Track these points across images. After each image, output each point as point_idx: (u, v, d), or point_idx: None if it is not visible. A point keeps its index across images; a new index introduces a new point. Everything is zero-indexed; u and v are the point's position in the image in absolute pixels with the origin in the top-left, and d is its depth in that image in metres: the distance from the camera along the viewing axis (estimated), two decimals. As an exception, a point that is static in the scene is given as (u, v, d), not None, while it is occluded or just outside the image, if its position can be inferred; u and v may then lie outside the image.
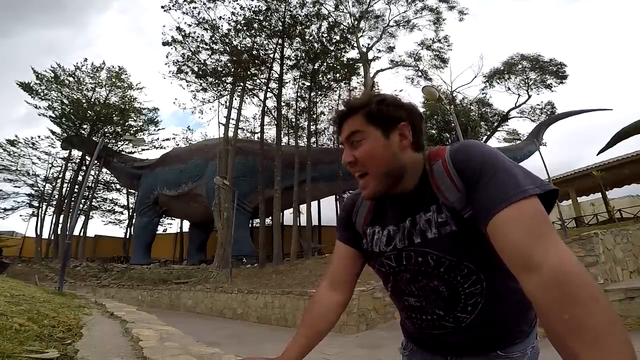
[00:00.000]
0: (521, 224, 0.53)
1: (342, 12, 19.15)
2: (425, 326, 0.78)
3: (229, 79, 18.95)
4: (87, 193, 25.46)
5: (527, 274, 0.51)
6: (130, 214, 28.71)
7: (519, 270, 0.52)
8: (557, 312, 0.46)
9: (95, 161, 20.64)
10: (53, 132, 25.36)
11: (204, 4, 17.72)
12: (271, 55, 18.46)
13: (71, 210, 21.99)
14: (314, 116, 21.84)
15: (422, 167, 0.75)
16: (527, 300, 0.78)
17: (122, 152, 26.14)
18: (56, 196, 25.40)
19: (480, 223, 0.60)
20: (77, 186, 23.89)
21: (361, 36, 19.31)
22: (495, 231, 0.56)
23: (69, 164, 25.67)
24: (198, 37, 18.38)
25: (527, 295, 0.52)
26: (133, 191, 27.06)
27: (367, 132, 0.73)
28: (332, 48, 18.51)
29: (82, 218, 23.58)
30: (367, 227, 0.84)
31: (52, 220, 24.74)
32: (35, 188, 26.51)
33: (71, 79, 24.31)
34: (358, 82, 21.37)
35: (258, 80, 19.54)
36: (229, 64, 18.54)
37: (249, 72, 18.32)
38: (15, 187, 26.21)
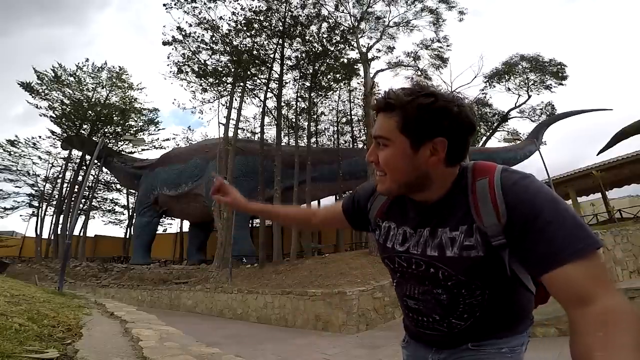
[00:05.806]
0: (588, 273, 0.55)
1: (343, 12, 19.13)
2: (420, 326, 0.82)
3: (229, 79, 18.92)
4: (87, 193, 25.42)
5: (581, 307, 0.54)
6: (130, 214, 28.66)
7: (574, 305, 0.55)
8: (593, 332, 0.50)
9: (95, 161, 20.64)
10: (53, 132, 25.34)
11: (205, 3, 17.72)
12: (271, 56, 18.45)
13: (71, 210, 21.96)
14: (314, 116, 21.83)
15: (454, 178, 0.72)
16: (519, 311, 0.78)
17: (122, 152, 26.12)
18: (56, 196, 25.38)
19: (538, 268, 0.59)
20: (77, 186, 23.82)
21: (361, 37, 19.30)
22: (561, 278, 0.56)
23: (69, 164, 25.66)
24: (198, 37, 18.37)
25: (571, 323, 0.55)
26: (133, 191, 27.05)
27: (395, 141, 0.68)
28: (332, 48, 18.50)
29: (82, 218, 23.53)
30: (381, 220, 0.86)
31: (52, 220, 24.75)
32: (35, 188, 26.49)
33: (72, 78, 24.25)
34: (358, 83, 21.39)
35: (258, 81, 19.54)
36: (229, 64, 18.53)
37: (249, 72, 18.31)
38: (16, 187, 26.18)
